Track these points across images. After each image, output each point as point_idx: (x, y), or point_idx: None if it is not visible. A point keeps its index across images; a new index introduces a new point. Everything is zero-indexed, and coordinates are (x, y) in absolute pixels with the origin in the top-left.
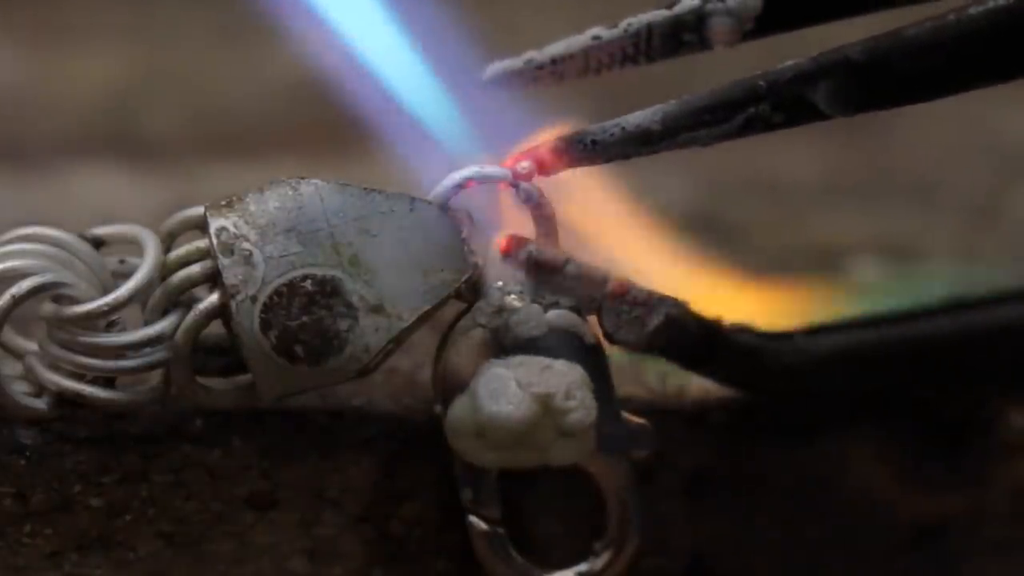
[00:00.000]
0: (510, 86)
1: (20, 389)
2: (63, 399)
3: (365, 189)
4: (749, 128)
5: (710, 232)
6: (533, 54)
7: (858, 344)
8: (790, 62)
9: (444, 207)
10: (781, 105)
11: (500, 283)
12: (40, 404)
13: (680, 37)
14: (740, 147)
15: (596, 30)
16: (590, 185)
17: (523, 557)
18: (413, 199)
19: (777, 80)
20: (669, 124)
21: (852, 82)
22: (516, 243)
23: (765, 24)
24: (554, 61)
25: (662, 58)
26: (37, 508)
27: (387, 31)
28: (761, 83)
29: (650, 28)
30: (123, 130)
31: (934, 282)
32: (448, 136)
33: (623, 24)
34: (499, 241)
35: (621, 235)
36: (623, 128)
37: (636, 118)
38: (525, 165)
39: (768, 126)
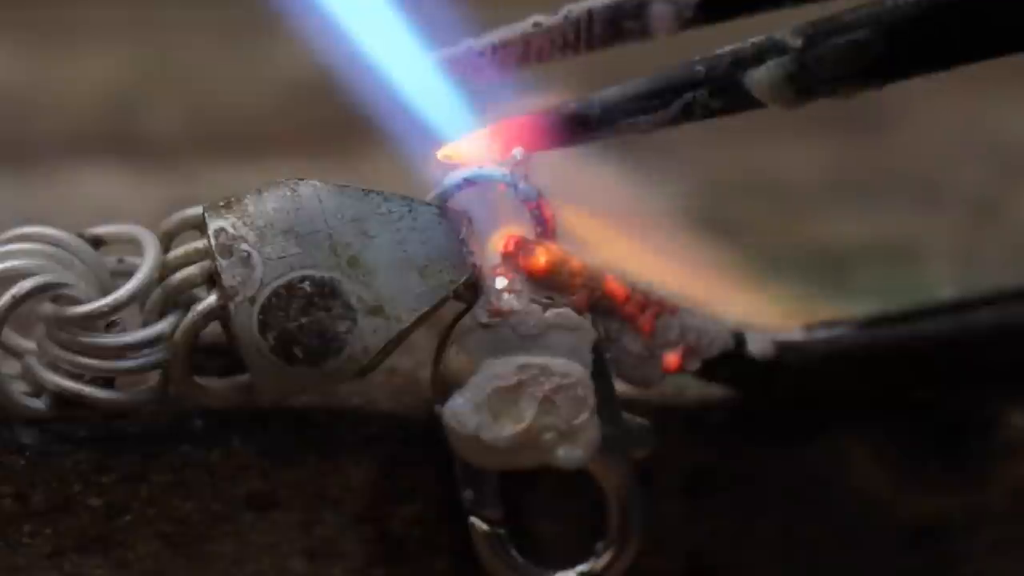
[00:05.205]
0: (454, 73)
1: (19, 389)
2: (62, 399)
3: (363, 190)
4: (687, 115)
5: (709, 231)
6: (472, 41)
7: (858, 344)
8: (728, 47)
9: (442, 208)
10: (719, 91)
11: (499, 283)
12: (39, 404)
13: (620, 24)
14: (740, 145)
15: (537, 17)
16: (589, 184)
17: (524, 557)
18: (411, 200)
19: (715, 66)
20: (608, 110)
21: (789, 68)
22: (515, 243)
23: (705, 12)
24: (494, 48)
25: (603, 46)
26: (37, 508)
27: (389, 28)
28: (699, 68)
29: (590, 15)
30: (123, 130)
31: (934, 282)
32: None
33: (563, 11)
34: (498, 241)
35: (621, 234)
36: (562, 115)
37: (575, 105)
38: (518, 155)
39: (707, 112)
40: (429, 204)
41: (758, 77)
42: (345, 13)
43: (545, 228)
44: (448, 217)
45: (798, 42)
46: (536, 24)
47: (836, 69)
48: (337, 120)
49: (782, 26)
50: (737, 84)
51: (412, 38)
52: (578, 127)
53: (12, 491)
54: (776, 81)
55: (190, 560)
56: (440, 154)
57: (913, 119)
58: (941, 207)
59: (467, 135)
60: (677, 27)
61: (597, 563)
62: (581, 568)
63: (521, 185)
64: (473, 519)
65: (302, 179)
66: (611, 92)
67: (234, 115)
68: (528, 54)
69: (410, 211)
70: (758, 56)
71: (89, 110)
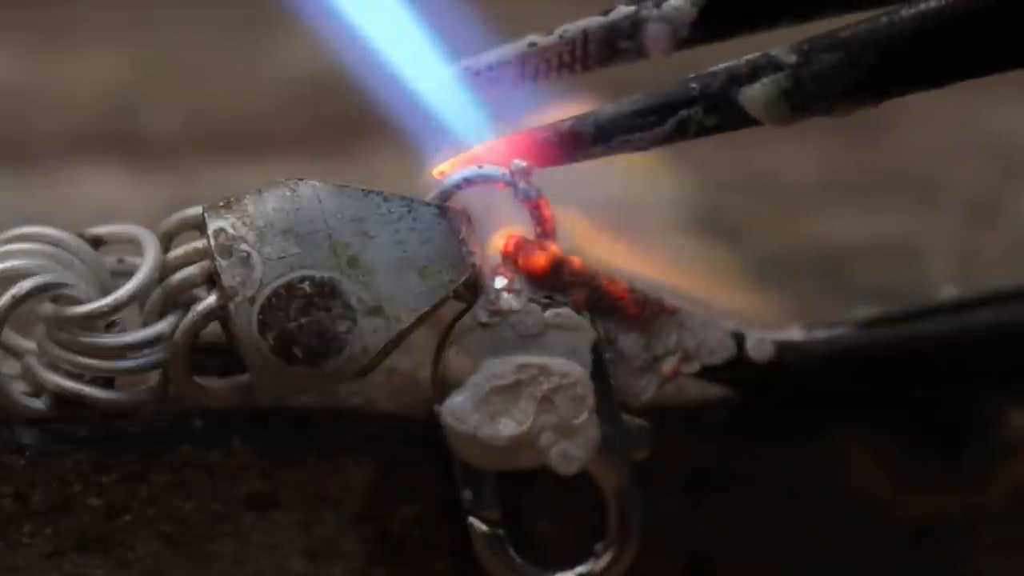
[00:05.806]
0: (453, 88)
1: (19, 389)
2: (62, 399)
3: (363, 190)
4: (682, 132)
5: (708, 231)
6: (470, 60)
7: (858, 344)
8: (723, 64)
9: (442, 208)
10: (714, 108)
11: (499, 283)
12: (39, 404)
13: (615, 44)
14: (740, 146)
15: (532, 37)
16: (588, 184)
17: (523, 558)
18: (411, 200)
19: (710, 83)
20: (603, 127)
21: (784, 85)
22: (515, 243)
23: (701, 32)
24: (490, 67)
25: (598, 66)
26: (37, 508)
27: (389, 26)
28: (693, 86)
29: (585, 35)
30: (123, 130)
31: (934, 282)
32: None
33: (558, 31)
34: (498, 241)
35: (621, 235)
36: (558, 132)
37: (569, 122)
38: (521, 164)
39: (702, 130)
40: (429, 204)
41: (752, 94)
42: (345, 11)
43: (545, 228)
44: (448, 217)
45: (793, 59)
46: (532, 44)
47: (831, 86)
48: (337, 120)
49: (777, 45)
50: (732, 101)
51: (413, 36)
52: (573, 144)
53: (12, 491)
54: (771, 98)
55: (190, 560)
56: (436, 171)
57: (912, 119)
58: (941, 207)
59: (463, 153)
60: (672, 47)
61: (597, 564)
62: (580, 569)
63: (521, 185)
64: (472, 519)
65: (302, 179)
66: (606, 109)
67: (234, 115)
68: (524, 74)
69: (410, 211)
70: (753, 73)
71: (89, 110)
